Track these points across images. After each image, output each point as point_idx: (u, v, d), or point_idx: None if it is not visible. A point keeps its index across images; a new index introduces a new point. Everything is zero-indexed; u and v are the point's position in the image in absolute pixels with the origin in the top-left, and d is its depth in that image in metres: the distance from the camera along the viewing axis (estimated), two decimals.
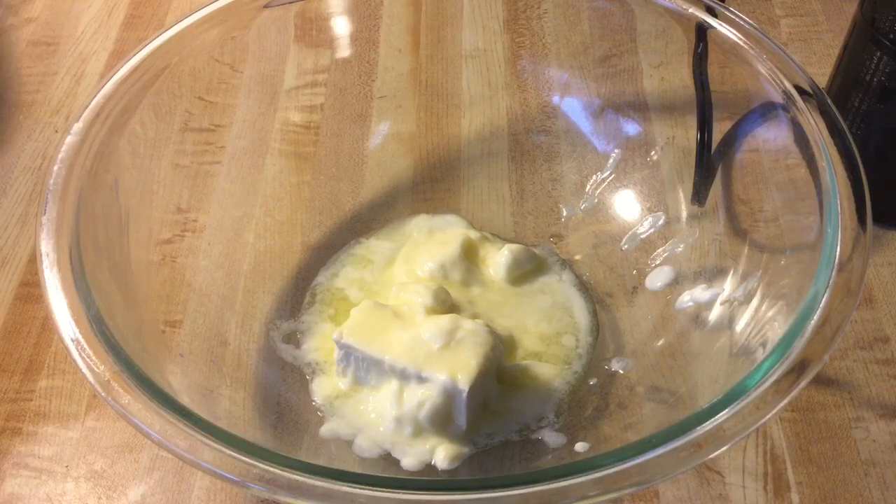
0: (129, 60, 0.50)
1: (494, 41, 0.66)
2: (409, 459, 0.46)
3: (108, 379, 0.38)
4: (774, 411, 0.37)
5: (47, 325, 0.55)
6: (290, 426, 0.48)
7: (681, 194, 0.56)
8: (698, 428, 0.36)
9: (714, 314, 0.49)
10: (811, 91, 0.47)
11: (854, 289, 0.40)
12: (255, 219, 0.57)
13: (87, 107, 0.48)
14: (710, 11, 0.52)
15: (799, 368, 0.38)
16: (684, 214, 0.55)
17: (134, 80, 0.50)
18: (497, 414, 0.48)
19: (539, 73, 0.63)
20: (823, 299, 0.39)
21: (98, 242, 0.45)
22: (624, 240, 0.56)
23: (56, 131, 0.67)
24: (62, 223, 0.43)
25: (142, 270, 0.49)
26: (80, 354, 0.38)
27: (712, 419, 0.37)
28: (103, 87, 0.49)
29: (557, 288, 0.55)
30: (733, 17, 0.51)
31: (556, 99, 0.62)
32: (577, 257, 0.57)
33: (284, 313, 0.54)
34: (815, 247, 0.42)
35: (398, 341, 0.47)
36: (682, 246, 0.54)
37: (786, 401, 0.37)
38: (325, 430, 0.47)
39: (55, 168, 0.46)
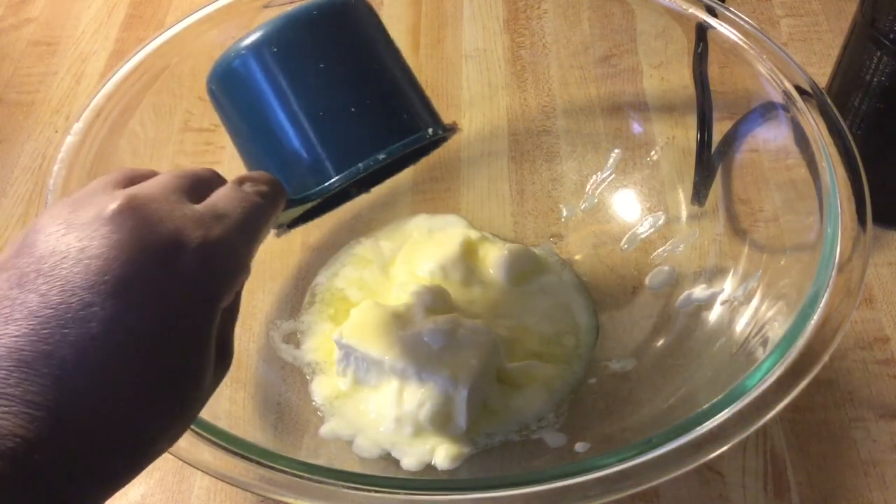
0: (129, 60, 0.50)
1: (494, 41, 0.66)
2: (409, 459, 0.46)
3: None
4: (774, 411, 0.37)
5: None
6: (290, 426, 0.48)
7: (681, 194, 0.56)
8: (698, 428, 0.36)
9: (714, 314, 0.49)
10: (811, 91, 0.47)
11: (854, 289, 0.40)
12: None
13: (87, 107, 0.48)
14: (710, 11, 0.52)
15: (799, 368, 0.38)
16: (684, 214, 0.55)
17: (134, 80, 0.50)
18: (497, 414, 0.48)
19: (539, 73, 0.63)
20: (823, 299, 0.39)
21: None
22: (624, 240, 0.56)
23: (56, 131, 0.67)
24: None
25: None
26: None
27: (712, 419, 0.37)
28: (103, 87, 0.49)
29: (557, 288, 0.55)
30: (733, 17, 0.51)
31: (556, 99, 0.62)
32: (577, 257, 0.57)
33: (284, 313, 0.54)
34: (815, 247, 0.42)
35: (398, 341, 0.47)
36: (682, 246, 0.54)
37: (786, 401, 0.37)
38: (325, 430, 0.47)
39: (55, 168, 0.46)
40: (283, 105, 0.38)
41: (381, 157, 0.38)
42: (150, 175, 0.34)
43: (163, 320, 0.28)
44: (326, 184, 0.38)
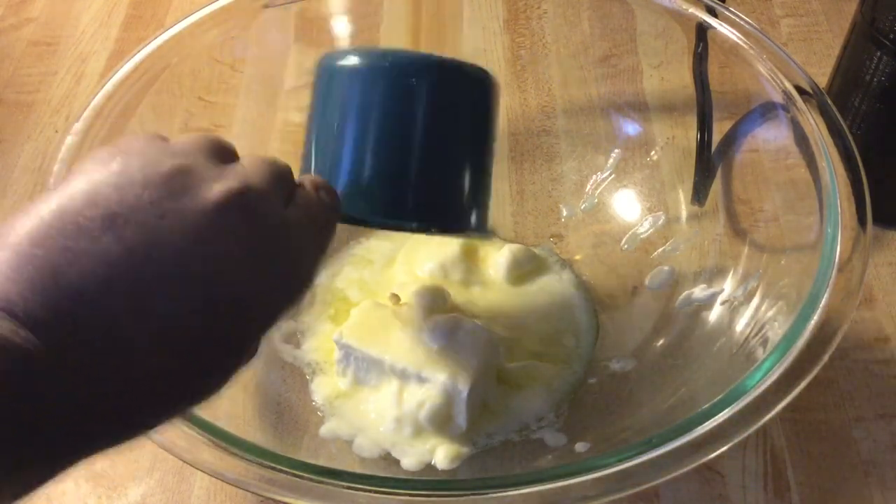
0: (129, 60, 0.50)
1: (494, 41, 0.66)
2: (409, 459, 0.46)
3: None
4: (774, 411, 0.37)
5: None
6: (290, 426, 0.48)
7: (681, 194, 0.56)
8: (698, 428, 0.36)
9: (714, 314, 0.49)
10: (811, 91, 0.47)
11: (854, 289, 0.40)
12: None
13: (87, 107, 0.48)
14: (710, 11, 0.52)
15: (799, 368, 0.38)
16: (684, 214, 0.55)
17: (134, 80, 0.50)
18: (497, 414, 0.48)
19: (539, 73, 0.63)
20: (823, 299, 0.39)
21: None
22: (624, 240, 0.56)
23: (56, 131, 0.67)
24: None
25: None
26: None
27: (712, 419, 0.37)
28: (103, 87, 0.49)
29: (557, 288, 0.55)
30: (733, 17, 0.51)
31: (556, 99, 0.62)
32: (577, 257, 0.57)
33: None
34: (815, 247, 0.42)
35: (398, 341, 0.47)
36: (682, 246, 0.54)
37: (786, 401, 0.37)
38: (325, 430, 0.47)
39: (55, 168, 0.46)
40: (395, 128, 0.39)
41: (433, 230, 0.41)
42: (232, 149, 0.33)
43: (229, 324, 0.28)
44: (378, 219, 0.39)
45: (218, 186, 0.28)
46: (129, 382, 0.26)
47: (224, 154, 0.32)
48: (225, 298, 0.28)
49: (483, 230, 0.43)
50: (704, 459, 0.36)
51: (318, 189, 0.34)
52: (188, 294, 0.27)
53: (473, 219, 0.42)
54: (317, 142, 0.40)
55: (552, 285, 0.55)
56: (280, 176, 0.32)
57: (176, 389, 0.28)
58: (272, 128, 0.60)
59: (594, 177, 0.59)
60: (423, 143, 0.39)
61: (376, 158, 0.39)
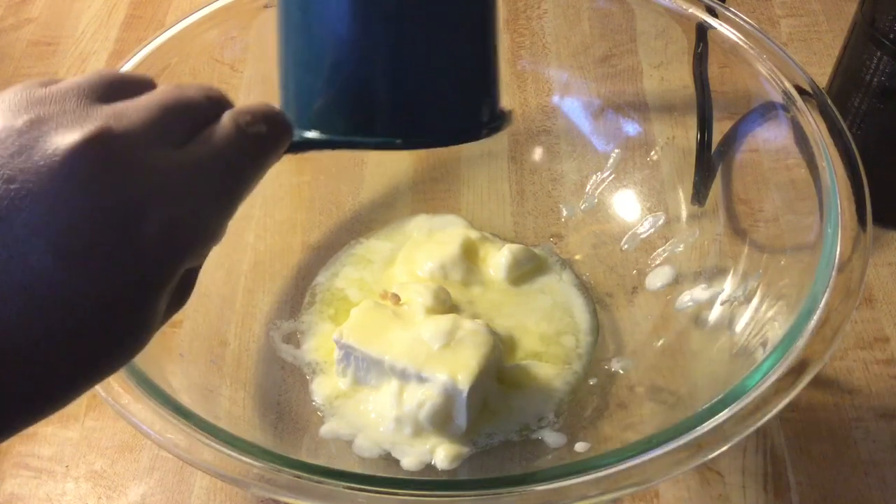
0: (129, 60, 0.50)
1: None
2: (409, 459, 0.46)
3: (109, 379, 0.38)
4: (774, 411, 0.37)
5: None
6: (290, 426, 0.48)
7: (681, 194, 0.56)
8: (698, 428, 0.36)
9: (714, 314, 0.49)
10: (811, 91, 0.47)
11: (854, 289, 0.40)
12: (255, 219, 0.57)
13: None
14: (710, 11, 0.52)
15: (799, 368, 0.38)
16: (684, 214, 0.55)
17: None
18: (497, 414, 0.48)
19: (539, 73, 0.63)
20: (823, 299, 0.39)
21: None
22: (624, 240, 0.56)
23: None
24: None
25: None
26: None
27: (712, 419, 0.37)
28: None
29: (557, 288, 0.55)
30: (733, 17, 0.51)
31: (556, 99, 0.62)
32: (577, 257, 0.57)
33: (284, 313, 0.54)
34: (815, 247, 0.42)
35: (398, 341, 0.47)
36: (682, 246, 0.54)
37: (786, 401, 0.37)
38: (325, 430, 0.47)
39: None
40: (373, 31, 0.31)
41: (426, 142, 0.34)
42: (144, 86, 0.29)
43: (106, 287, 0.25)
44: (358, 139, 0.32)
45: (71, 135, 0.25)
46: (15, 363, 0.24)
47: (115, 91, 0.28)
48: (96, 260, 0.24)
49: (503, 119, 0.36)
50: (704, 459, 0.36)
51: (238, 120, 0.28)
52: (52, 263, 0.24)
53: (493, 115, 0.35)
54: (286, 53, 0.33)
55: (552, 285, 0.55)
56: (177, 110, 0.27)
57: (72, 361, 0.25)
58: None
59: (594, 177, 0.59)
60: (426, 45, 0.32)
61: (371, 69, 0.31)
